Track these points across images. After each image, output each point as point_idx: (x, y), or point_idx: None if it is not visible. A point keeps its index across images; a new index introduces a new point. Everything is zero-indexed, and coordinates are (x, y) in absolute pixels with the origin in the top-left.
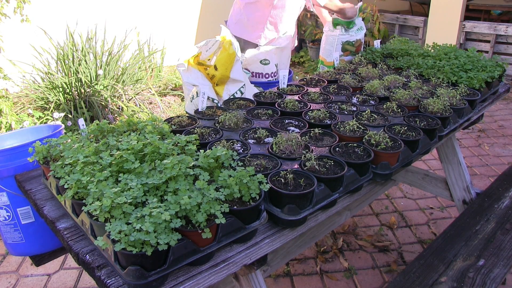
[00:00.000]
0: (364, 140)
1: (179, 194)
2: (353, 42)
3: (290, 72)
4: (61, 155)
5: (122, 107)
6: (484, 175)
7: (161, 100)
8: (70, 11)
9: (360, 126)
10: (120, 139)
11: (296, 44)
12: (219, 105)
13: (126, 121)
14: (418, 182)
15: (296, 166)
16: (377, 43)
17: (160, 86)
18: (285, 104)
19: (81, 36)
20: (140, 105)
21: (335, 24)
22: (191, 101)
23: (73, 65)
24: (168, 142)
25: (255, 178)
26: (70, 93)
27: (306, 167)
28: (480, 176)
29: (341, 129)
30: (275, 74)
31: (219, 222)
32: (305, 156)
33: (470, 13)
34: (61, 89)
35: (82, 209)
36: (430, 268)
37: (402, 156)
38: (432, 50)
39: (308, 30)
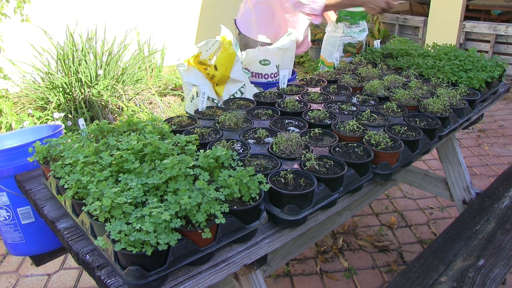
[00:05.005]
0: (364, 140)
1: (179, 194)
2: (355, 44)
3: (293, 73)
4: (61, 155)
5: (122, 107)
6: (484, 175)
7: (161, 100)
8: (70, 11)
9: (360, 126)
10: (120, 139)
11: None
12: (219, 105)
13: (126, 121)
14: (418, 182)
15: (296, 166)
16: (377, 43)
17: (160, 86)
18: (285, 104)
19: (81, 36)
20: (140, 105)
21: (340, 17)
22: (191, 101)
23: (73, 65)
24: (168, 142)
25: (255, 178)
26: (70, 93)
27: (306, 167)
28: (480, 176)
29: (341, 129)
30: (275, 75)
31: (219, 222)
32: (305, 156)
33: (470, 13)
34: (61, 89)
35: (82, 209)
36: (430, 268)
37: (402, 156)
38: (432, 50)
39: None
